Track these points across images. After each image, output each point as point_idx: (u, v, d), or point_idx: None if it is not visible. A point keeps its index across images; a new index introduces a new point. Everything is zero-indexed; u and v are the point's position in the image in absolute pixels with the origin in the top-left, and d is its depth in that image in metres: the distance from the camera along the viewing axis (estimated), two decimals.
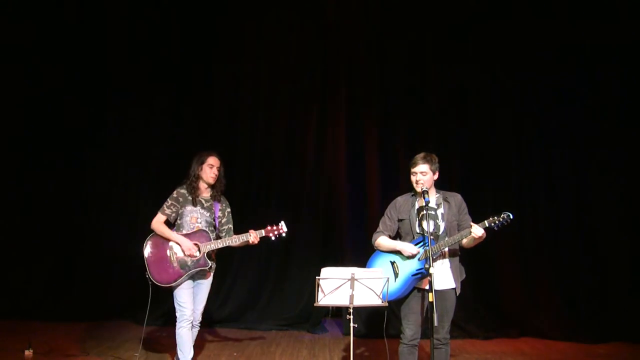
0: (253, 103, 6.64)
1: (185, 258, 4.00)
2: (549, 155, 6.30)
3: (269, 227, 4.08)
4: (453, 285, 3.73)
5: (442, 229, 3.72)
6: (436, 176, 3.75)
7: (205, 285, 4.16)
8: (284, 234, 4.11)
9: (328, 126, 6.55)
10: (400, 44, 6.45)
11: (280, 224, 4.10)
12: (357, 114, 6.48)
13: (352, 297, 3.44)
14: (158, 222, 4.08)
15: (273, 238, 4.11)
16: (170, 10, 6.65)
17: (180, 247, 4.01)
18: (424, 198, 3.60)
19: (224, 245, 4.06)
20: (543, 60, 6.28)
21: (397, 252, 3.75)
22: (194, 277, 4.09)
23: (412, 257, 3.68)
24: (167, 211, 4.10)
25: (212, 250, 4.09)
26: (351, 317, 3.46)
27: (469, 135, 6.40)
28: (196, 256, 4.01)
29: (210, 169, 4.10)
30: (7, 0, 6.45)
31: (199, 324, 4.23)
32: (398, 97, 6.45)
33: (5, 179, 6.60)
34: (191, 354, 4.08)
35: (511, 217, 3.57)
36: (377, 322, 4.40)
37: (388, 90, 6.48)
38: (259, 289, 6.42)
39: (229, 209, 4.27)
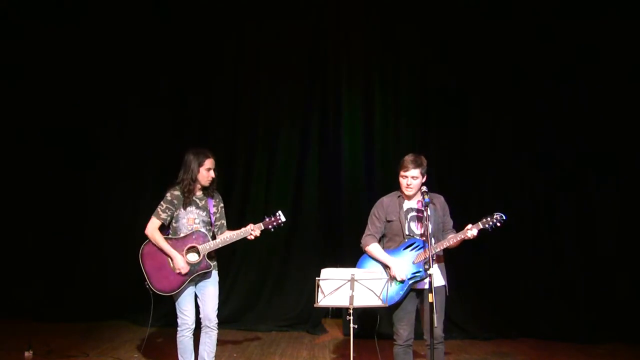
0: (253, 104, 6.64)
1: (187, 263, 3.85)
2: (550, 155, 6.29)
3: (267, 219, 3.95)
4: (443, 283, 3.73)
5: (429, 230, 3.69)
6: (424, 179, 3.74)
7: (211, 283, 3.97)
8: (282, 224, 3.96)
9: (328, 126, 6.55)
10: (401, 44, 6.45)
11: (277, 214, 3.95)
12: (357, 115, 6.48)
13: (352, 298, 3.43)
14: (153, 229, 3.90)
15: (272, 229, 3.96)
16: (170, 10, 6.64)
17: (179, 246, 3.86)
18: (424, 199, 3.60)
19: (224, 244, 3.90)
20: (543, 59, 6.28)
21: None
22: (195, 281, 3.94)
23: (401, 281, 3.63)
24: (163, 215, 3.91)
25: (212, 250, 3.94)
26: (351, 318, 3.45)
27: (470, 135, 6.40)
28: (194, 261, 3.86)
29: (207, 172, 3.93)
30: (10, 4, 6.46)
31: (216, 325, 3.96)
32: (398, 97, 6.45)
33: (5, 179, 6.59)
34: (191, 358, 3.95)
35: (504, 218, 3.58)
36: (369, 323, 4.38)
37: (388, 91, 6.48)
38: (258, 290, 6.41)
39: (222, 204, 4.12)
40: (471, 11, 6.37)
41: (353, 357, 4.92)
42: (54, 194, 6.62)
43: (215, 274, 4.01)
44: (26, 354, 4.78)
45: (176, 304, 3.92)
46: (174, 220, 3.95)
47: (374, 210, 3.89)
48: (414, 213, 3.74)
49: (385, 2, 6.50)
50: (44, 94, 6.64)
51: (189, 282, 3.87)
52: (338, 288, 3.44)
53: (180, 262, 3.83)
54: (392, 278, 3.65)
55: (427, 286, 3.50)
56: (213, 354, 3.99)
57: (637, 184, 6.11)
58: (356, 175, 6.41)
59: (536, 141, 6.33)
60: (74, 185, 6.63)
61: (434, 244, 3.61)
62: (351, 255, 5.84)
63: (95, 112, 6.68)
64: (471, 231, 3.56)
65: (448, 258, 3.85)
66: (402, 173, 3.71)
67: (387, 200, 3.86)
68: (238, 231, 3.93)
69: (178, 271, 3.82)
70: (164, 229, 3.99)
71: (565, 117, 6.27)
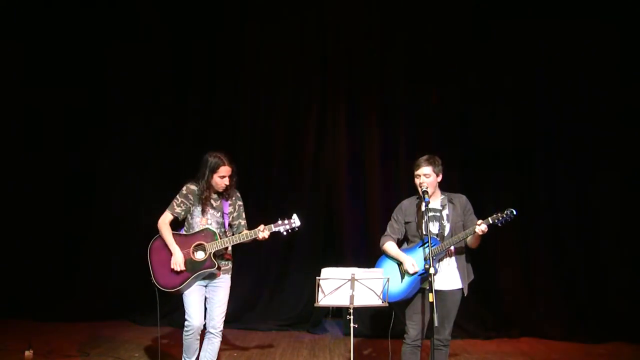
0: (253, 103, 6.63)
1: (192, 259, 3.76)
2: (550, 154, 6.29)
3: (280, 221, 3.79)
4: (460, 286, 3.74)
5: (447, 230, 3.73)
6: (440, 178, 3.76)
7: (221, 288, 3.87)
8: (296, 228, 3.79)
9: (328, 127, 6.54)
10: (401, 44, 6.45)
11: (292, 218, 3.79)
12: (358, 115, 6.47)
13: (352, 297, 3.45)
14: (163, 222, 3.83)
15: (285, 233, 3.79)
16: (170, 10, 6.64)
17: (187, 243, 3.78)
18: (424, 198, 3.61)
19: (232, 243, 3.79)
20: (544, 59, 6.28)
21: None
22: (204, 280, 3.85)
23: (413, 274, 3.66)
24: (177, 210, 3.84)
25: (224, 249, 3.82)
26: (351, 317, 3.46)
27: (470, 135, 6.39)
28: (200, 259, 3.78)
29: (221, 179, 3.82)
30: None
31: (220, 333, 3.88)
32: (399, 97, 6.44)
33: (6, 179, 6.59)
34: (195, 357, 3.89)
35: (514, 213, 3.58)
36: (379, 323, 4.39)
37: (389, 91, 6.47)
38: (259, 289, 6.41)
39: (240, 202, 3.99)
40: (472, 11, 6.36)
41: (363, 356, 4.94)
42: (55, 195, 6.62)
43: (226, 278, 3.93)
44: (26, 353, 4.77)
45: (183, 302, 3.84)
46: (189, 216, 3.89)
47: (393, 213, 3.94)
48: (431, 213, 3.74)
49: (386, 1, 6.49)
50: (43, 96, 6.63)
51: (193, 280, 3.78)
52: (338, 287, 3.46)
53: (178, 257, 3.75)
54: (405, 272, 3.68)
55: (427, 286, 3.51)
56: (215, 356, 3.91)
57: (638, 183, 6.11)
58: (356, 176, 6.41)
59: (537, 141, 6.32)
60: (75, 186, 6.64)
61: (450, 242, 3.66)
62: (351, 255, 5.90)
63: (96, 113, 6.68)
64: (480, 227, 3.56)
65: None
66: (415, 172, 3.74)
67: (407, 203, 3.90)
68: (247, 232, 3.84)
69: (173, 266, 3.75)
70: (179, 224, 3.93)
71: (567, 116, 6.27)
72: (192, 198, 3.86)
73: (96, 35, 6.65)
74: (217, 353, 3.92)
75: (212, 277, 3.86)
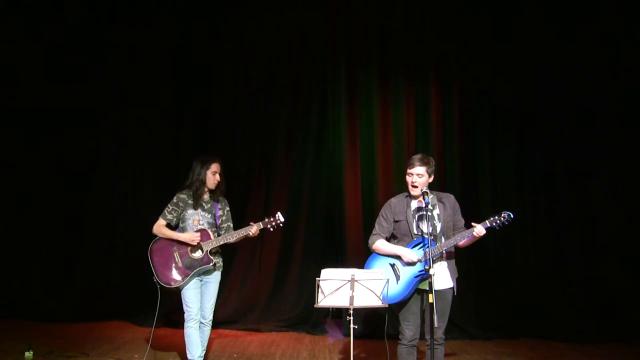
0: (252, 103, 6.63)
1: (190, 257, 4.10)
2: (550, 154, 6.30)
3: (266, 219, 4.19)
4: (451, 285, 3.75)
5: (438, 229, 3.74)
6: (432, 178, 3.75)
7: (212, 282, 4.25)
8: (281, 224, 4.19)
9: (328, 127, 6.54)
10: (401, 43, 6.45)
11: (277, 215, 4.19)
12: (358, 115, 6.47)
13: (352, 298, 3.45)
14: (159, 226, 4.20)
15: (271, 229, 4.20)
16: (170, 6, 6.64)
17: (185, 244, 4.11)
18: (424, 199, 3.61)
19: (225, 241, 4.17)
20: (544, 58, 6.29)
21: (397, 256, 3.76)
22: (200, 276, 4.19)
23: (413, 264, 3.67)
24: (169, 216, 4.22)
25: (216, 248, 4.18)
26: (351, 318, 3.47)
27: (469, 134, 6.40)
28: (197, 257, 4.09)
29: (213, 176, 4.21)
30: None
31: (210, 322, 4.28)
32: (399, 96, 6.44)
33: (5, 179, 6.59)
34: (198, 351, 4.15)
35: (511, 216, 3.60)
36: (376, 323, 4.38)
37: (388, 90, 6.47)
38: (259, 290, 6.41)
39: (228, 208, 4.40)
40: (470, 8, 6.36)
41: (362, 357, 4.94)
42: (55, 196, 6.61)
43: (218, 274, 4.29)
44: (26, 353, 4.77)
45: (182, 296, 4.15)
46: (180, 221, 4.23)
47: (382, 211, 3.92)
48: (421, 213, 3.73)
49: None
50: (44, 94, 6.63)
51: (192, 276, 4.10)
52: (338, 288, 3.46)
53: (189, 235, 4.10)
54: (408, 264, 3.66)
55: (427, 287, 3.51)
56: (205, 343, 4.28)
57: (637, 184, 6.11)
58: (356, 175, 6.40)
59: (537, 141, 6.33)
60: (75, 186, 6.63)
61: (443, 242, 3.65)
62: (352, 256, 5.90)
63: (96, 113, 6.67)
64: (477, 229, 3.57)
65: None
66: (408, 171, 3.74)
67: (395, 201, 3.88)
68: (239, 230, 4.18)
69: (192, 242, 4.08)
70: (171, 229, 4.25)
71: (566, 116, 6.28)
72: (182, 205, 4.24)
73: (95, 33, 6.64)
74: (207, 339, 4.30)
75: (206, 273, 4.21)
